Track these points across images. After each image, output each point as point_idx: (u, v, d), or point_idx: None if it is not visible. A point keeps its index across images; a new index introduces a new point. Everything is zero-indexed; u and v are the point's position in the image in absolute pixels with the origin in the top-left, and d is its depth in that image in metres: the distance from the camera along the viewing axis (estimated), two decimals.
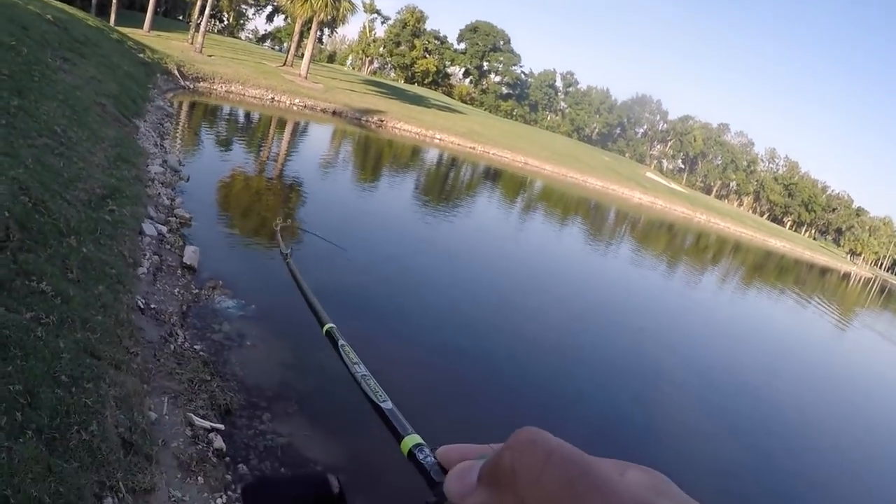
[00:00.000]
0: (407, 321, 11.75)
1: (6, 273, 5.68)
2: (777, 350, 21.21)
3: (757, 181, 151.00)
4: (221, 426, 6.15)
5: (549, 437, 0.44)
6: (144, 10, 56.28)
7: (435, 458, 0.66)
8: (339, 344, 1.33)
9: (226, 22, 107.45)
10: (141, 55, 32.42)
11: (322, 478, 0.66)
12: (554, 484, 0.41)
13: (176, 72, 36.35)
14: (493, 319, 13.45)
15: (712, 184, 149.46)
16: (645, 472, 0.46)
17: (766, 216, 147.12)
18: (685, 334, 19.00)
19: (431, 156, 46.44)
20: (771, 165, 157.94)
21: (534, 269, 20.55)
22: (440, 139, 55.50)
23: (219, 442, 5.92)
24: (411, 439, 0.91)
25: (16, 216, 6.75)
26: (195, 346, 7.51)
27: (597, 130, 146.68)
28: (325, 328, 1.46)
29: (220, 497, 5.30)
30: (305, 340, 8.90)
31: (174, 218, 11.65)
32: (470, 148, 57.50)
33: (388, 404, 1.06)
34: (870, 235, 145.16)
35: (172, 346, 7.11)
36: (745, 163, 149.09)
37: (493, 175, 47.09)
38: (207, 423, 6.02)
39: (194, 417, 5.98)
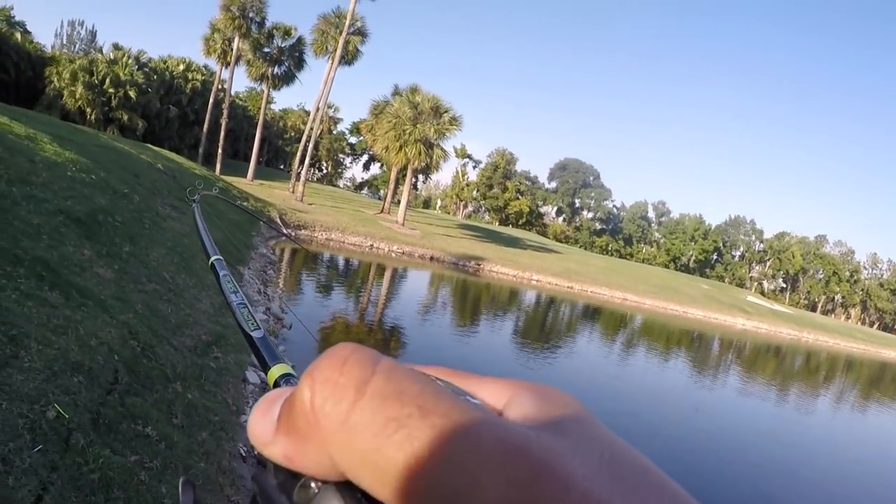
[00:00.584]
0: None
1: (114, 415, 5.64)
2: None
3: (862, 290, 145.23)
4: None
5: (369, 356, 0.31)
6: (248, 160, 59.30)
7: None
8: (222, 274, 1.40)
9: (325, 171, 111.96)
10: (245, 203, 33.65)
11: None
12: (368, 430, 0.28)
13: (278, 220, 37.54)
14: None
15: (816, 299, 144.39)
16: (536, 397, 0.33)
17: (876, 325, 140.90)
18: (808, 460, 17.83)
19: (529, 297, 46.25)
20: (874, 272, 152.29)
21: (639, 400, 19.85)
22: (537, 280, 55.39)
23: None
24: (279, 369, 0.89)
25: (125, 360, 6.79)
26: None
27: (693, 258, 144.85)
28: (210, 260, 1.53)
29: None
30: None
31: None
32: (567, 287, 57.15)
33: (258, 333, 1.07)
34: None
35: None
36: (847, 273, 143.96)
37: (593, 313, 46.49)
38: None
39: None
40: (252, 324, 1.07)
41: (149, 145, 35.31)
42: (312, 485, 0.32)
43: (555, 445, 0.27)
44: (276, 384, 0.79)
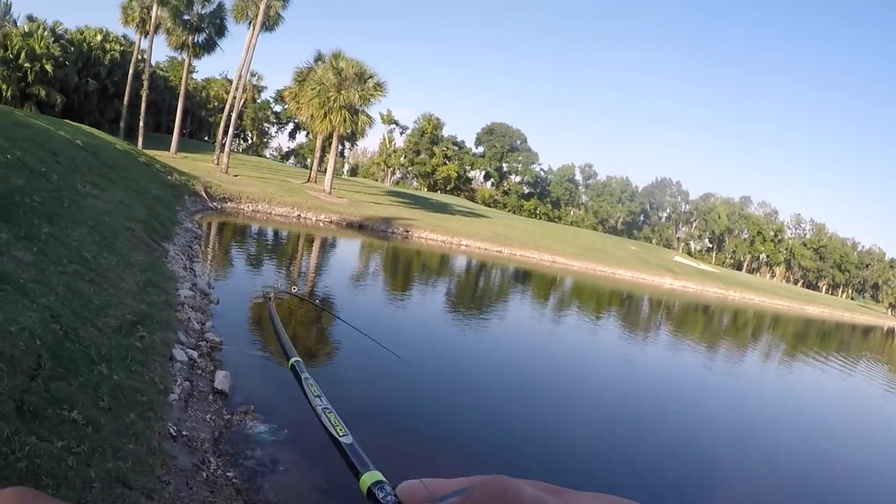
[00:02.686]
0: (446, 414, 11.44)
1: (38, 402, 5.62)
2: (832, 420, 20.42)
3: (786, 249, 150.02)
4: None
5: (521, 490, 0.37)
6: (171, 132, 58.12)
7: (396, 496, 0.60)
8: (303, 377, 1.34)
9: (250, 141, 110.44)
10: (169, 177, 33.09)
11: None
12: None
13: (203, 193, 37.01)
14: (541, 416, 13.08)
15: (742, 258, 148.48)
16: None
17: (800, 283, 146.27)
18: (734, 415, 18.40)
19: (460, 263, 46.56)
20: (798, 231, 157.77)
21: (569, 360, 20.20)
22: (467, 245, 55.73)
23: None
24: (370, 476, 0.86)
25: (47, 344, 6.73)
26: (228, 474, 7.31)
27: (621, 220, 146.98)
28: (290, 362, 1.47)
29: None
30: (338, 464, 8.74)
31: (204, 342, 11.57)
32: (497, 251, 57.64)
33: (347, 439, 1.05)
34: None
35: (205, 474, 6.93)
36: (771, 233, 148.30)
37: (523, 276, 47.04)
38: None
39: None
40: (341, 429, 1.09)
41: (67, 121, 34.39)
42: None
43: None
44: (370, 492, 0.79)
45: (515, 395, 15.03)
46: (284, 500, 7.36)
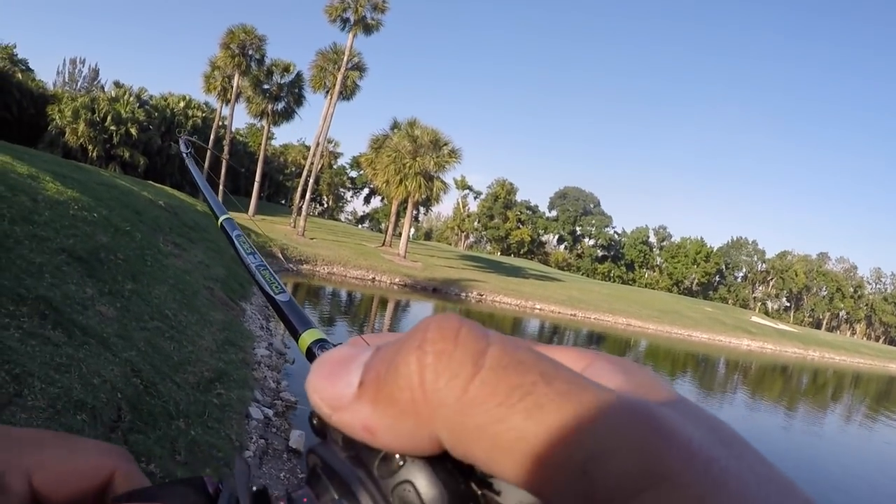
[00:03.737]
0: None
1: None
2: None
3: (866, 305, 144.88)
4: None
5: (478, 326, 0.28)
6: (249, 195, 59.44)
7: None
8: (235, 235, 1.36)
9: (326, 205, 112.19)
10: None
11: (198, 482, 0.47)
12: (490, 402, 0.26)
13: (280, 254, 37.55)
14: None
15: (821, 316, 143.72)
16: (619, 369, 0.32)
17: (882, 340, 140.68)
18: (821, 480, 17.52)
19: (533, 326, 46.08)
20: (878, 286, 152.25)
21: None
22: (540, 309, 55.17)
23: None
24: (311, 335, 0.82)
25: (128, 398, 6.78)
26: None
27: (696, 281, 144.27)
28: (219, 221, 1.47)
29: None
30: None
31: (280, 401, 11.56)
32: (571, 315, 56.90)
33: (284, 296, 0.99)
34: None
35: None
36: (851, 289, 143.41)
37: (597, 340, 46.25)
38: None
39: None
40: (276, 287, 1.01)
41: (150, 182, 35.53)
42: (396, 457, 0.29)
43: (672, 413, 0.26)
44: (310, 351, 0.74)
45: None
46: None
